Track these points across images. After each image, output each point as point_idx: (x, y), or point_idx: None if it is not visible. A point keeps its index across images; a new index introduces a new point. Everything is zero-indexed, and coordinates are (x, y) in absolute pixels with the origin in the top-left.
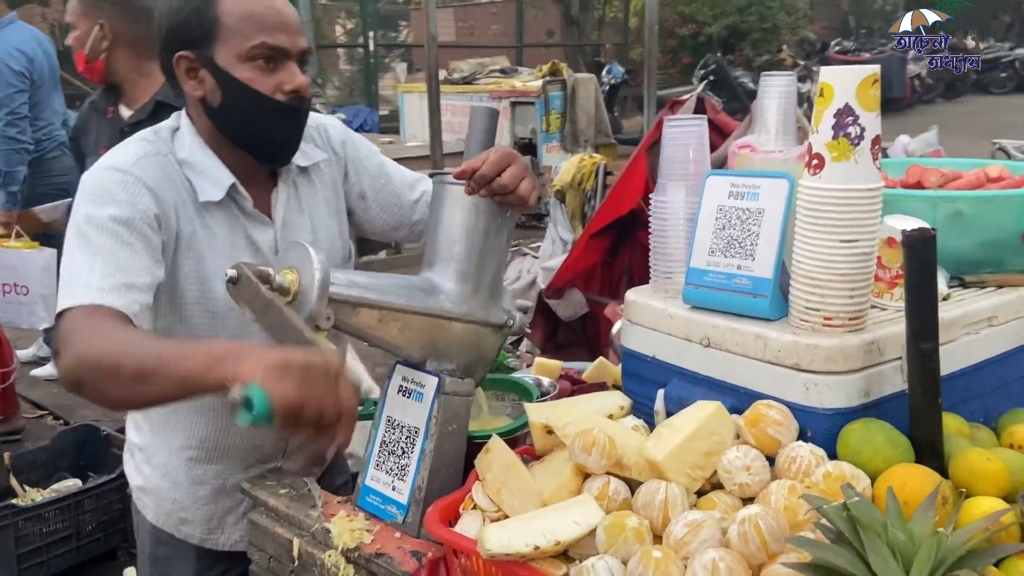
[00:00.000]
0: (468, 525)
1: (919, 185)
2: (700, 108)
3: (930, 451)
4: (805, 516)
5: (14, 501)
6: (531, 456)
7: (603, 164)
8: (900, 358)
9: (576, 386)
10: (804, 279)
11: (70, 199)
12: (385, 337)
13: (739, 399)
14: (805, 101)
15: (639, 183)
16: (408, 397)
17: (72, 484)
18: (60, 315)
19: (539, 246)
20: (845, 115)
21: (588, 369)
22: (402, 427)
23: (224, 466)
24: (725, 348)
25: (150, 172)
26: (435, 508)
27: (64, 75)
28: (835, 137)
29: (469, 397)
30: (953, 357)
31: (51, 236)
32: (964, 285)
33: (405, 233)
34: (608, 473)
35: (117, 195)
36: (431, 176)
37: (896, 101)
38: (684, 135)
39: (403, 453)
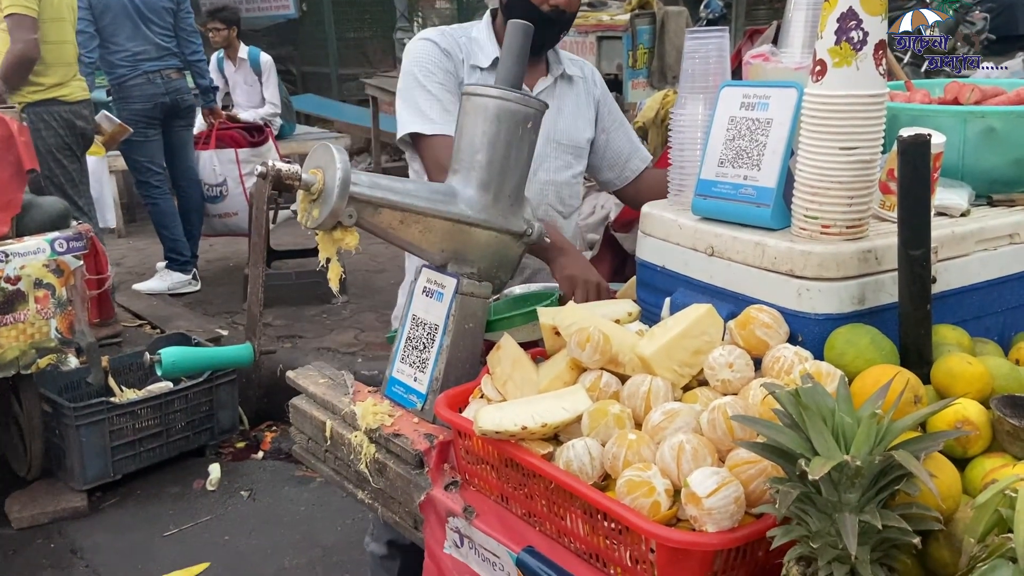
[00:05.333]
0: (473, 412)
1: (955, 102)
2: None
3: (916, 357)
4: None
5: (111, 399)
6: (543, 357)
7: None
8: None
9: None
10: (804, 187)
11: (104, 111)
12: (407, 238)
13: (738, 306)
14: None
15: None
16: (431, 297)
17: (164, 386)
18: (419, 136)
19: None
20: (848, 19)
21: (623, 288)
22: (425, 324)
23: None
24: (727, 257)
25: (447, 40)
26: (445, 395)
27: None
28: (837, 42)
29: (486, 299)
30: (964, 271)
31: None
32: (992, 203)
33: (610, 178)
34: (603, 369)
35: (432, 55)
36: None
37: None
38: (703, 48)
39: (424, 348)
